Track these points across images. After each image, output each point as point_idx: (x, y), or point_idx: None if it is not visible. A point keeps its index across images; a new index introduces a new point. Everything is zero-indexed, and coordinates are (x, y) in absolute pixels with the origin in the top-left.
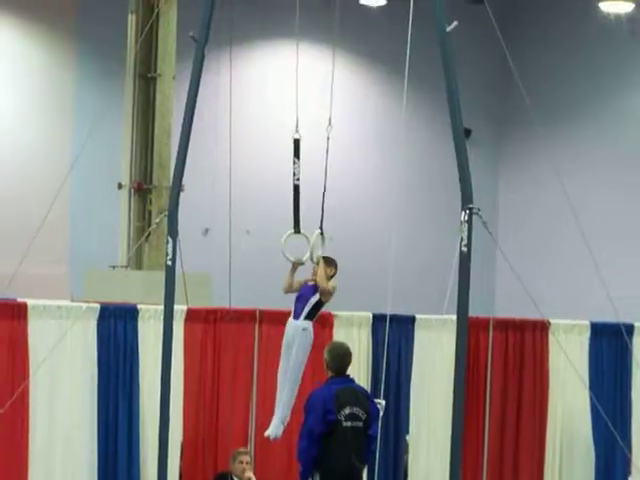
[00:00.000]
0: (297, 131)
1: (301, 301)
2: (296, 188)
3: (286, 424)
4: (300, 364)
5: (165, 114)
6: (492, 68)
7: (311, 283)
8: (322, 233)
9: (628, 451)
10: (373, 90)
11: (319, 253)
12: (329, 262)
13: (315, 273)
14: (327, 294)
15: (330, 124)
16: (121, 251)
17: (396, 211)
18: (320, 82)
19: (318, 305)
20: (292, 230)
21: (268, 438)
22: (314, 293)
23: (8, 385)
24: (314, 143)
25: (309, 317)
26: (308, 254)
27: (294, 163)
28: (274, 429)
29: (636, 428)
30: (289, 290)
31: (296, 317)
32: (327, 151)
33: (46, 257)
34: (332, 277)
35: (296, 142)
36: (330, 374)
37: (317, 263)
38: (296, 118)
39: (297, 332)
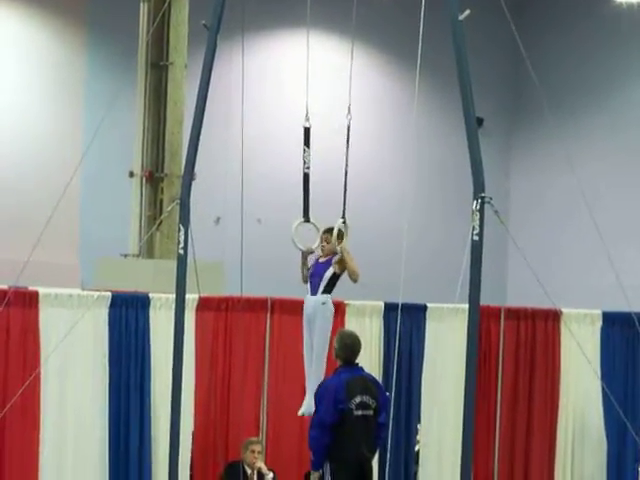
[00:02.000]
0: (307, 119)
1: (316, 277)
2: (306, 176)
3: None
4: (325, 338)
5: (177, 102)
6: (504, 57)
7: (322, 260)
8: (345, 222)
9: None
10: (385, 79)
11: (343, 243)
12: (339, 235)
13: (324, 248)
14: (358, 276)
15: (349, 112)
16: (132, 239)
17: (408, 200)
18: (333, 72)
19: (334, 279)
20: (302, 219)
21: (302, 416)
22: (327, 268)
23: (19, 374)
24: (327, 132)
25: (326, 291)
26: (317, 243)
27: (304, 151)
28: (307, 407)
29: None
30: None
31: (314, 293)
32: (347, 140)
33: (57, 245)
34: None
35: (306, 130)
36: (339, 363)
37: (336, 244)
38: (306, 106)
39: (317, 307)
